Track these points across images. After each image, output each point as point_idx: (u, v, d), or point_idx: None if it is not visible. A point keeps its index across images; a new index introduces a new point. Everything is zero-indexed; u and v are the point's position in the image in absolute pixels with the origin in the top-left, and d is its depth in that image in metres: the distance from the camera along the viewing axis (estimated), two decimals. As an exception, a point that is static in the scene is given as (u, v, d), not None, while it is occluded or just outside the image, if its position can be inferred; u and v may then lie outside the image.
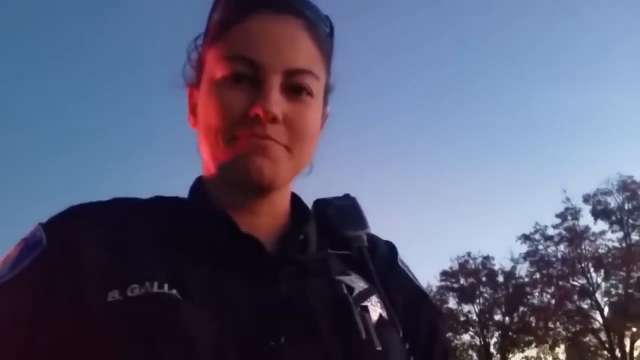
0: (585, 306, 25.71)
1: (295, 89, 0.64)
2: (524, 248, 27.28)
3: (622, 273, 24.68)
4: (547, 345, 27.11)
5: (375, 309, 0.64)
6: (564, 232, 26.34)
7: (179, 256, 0.59)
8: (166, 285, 0.55)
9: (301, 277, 0.63)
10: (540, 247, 26.97)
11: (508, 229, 48.61)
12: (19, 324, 0.54)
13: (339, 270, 0.68)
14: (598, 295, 25.33)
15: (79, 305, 0.54)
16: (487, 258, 28.88)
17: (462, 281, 29.02)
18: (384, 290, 0.69)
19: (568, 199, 26.51)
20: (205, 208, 0.67)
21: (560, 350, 27.45)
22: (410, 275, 0.76)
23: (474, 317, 28.96)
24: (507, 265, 28.29)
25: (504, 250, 45.32)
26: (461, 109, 44.55)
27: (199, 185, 0.70)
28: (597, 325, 25.14)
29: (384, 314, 0.65)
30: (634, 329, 23.82)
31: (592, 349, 25.82)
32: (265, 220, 0.67)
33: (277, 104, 0.61)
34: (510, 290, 27.74)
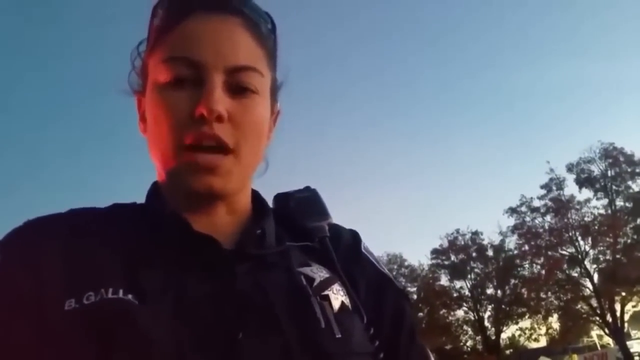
0: (575, 274, 26.13)
1: (239, 87, 0.64)
2: (512, 221, 27.65)
3: (609, 239, 25.01)
4: (540, 316, 27.52)
5: (336, 297, 0.65)
6: (549, 203, 26.65)
7: (135, 260, 0.60)
8: (121, 291, 0.56)
9: (259, 271, 0.64)
10: (527, 219, 27.30)
11: (495, 204, 49.22)
12: None
13: (299, 262, 0.68)
14: (587, 263, 25.73)
15: (37, 316, 0.54)
16: (475, 233, 29.30)
17: (452, 258, 29.41)
18: (347, 278, 0.69)
19: (552, 170, 26.80)
20: (159, 211, 0.67)
21: (554, 319, 27.90)
22: (374, 262, 0.76)
23: (467, 292, 29.38)
24: (496, 239, 28.75)
25: (492, 225, 45.73)
26: (444, 88, 44.65)
27: (155, 190, 0.70)
28: (587, 292, 25.53)
29: (347, 302, 0.66)
30: (624, 293, 24.24)
31: (584, 316, 26.22)
32: (224, 219, 0.68)
33: (221, 101, 0.61)
34: (501, 263, 28.12)
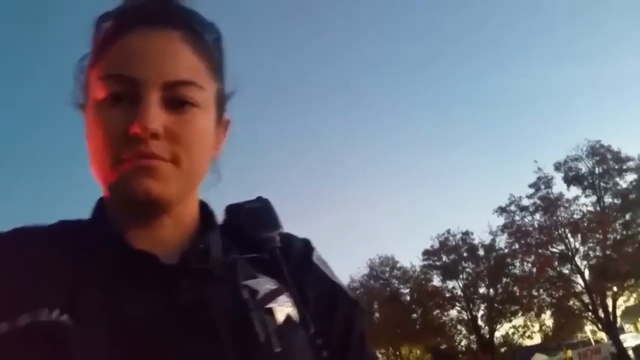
0: (566, 271, 26.17)
1: (177, 102, 0.63)
2: (501, 220, 27.66)
3: (599, 236, 25.09)
4: (533, 313, 27.55)
5: (282, 310, 0.65)
6: (538, 201, 26.67)
7: (74, 279, 0.59)
8: (56, 312, 0.55)
9: (203, 285, 0.63)
10: (517, 217, 27.29)
11: (485, 204, 49.44)
12: None
13: (246, 275, 0.67)
14: (577, 260, 25.78)
15: None
16: (466, 233, 29.27)
17: (444, 258, 29.36)
18: (297, 288, 0.69)
19: (540, 169, 26.87)
20: (98, 229, 0.66)
21: (547, 316, 27.97)
22: (326, 271, 0.76)
23: (459, 292, 29.35)
24: (487, 239, 28.74)
25: (482, 225, 45.87)
26: (434, 89, 44.76)
27: (99, 206, 0.69)
28: (579, 288, 25.59)
29: (293, 314, 0.66)
30: (615, 289, 24.35)
31: (577, 312, 26.32)
32: (169, 233, 0.67)
33: (156, 118, 0.60)
34: (492, 262, 28.11)
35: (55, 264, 0.61)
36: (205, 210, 0.73)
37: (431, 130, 45.88)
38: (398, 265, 31.28)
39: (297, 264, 0.73)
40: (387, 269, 31.14)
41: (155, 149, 0.60)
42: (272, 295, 0.66)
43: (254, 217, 0.75)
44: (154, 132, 0.60)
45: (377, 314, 29.80)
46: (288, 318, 0.65)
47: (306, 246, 0.77)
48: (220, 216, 0.76)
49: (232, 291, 0.64)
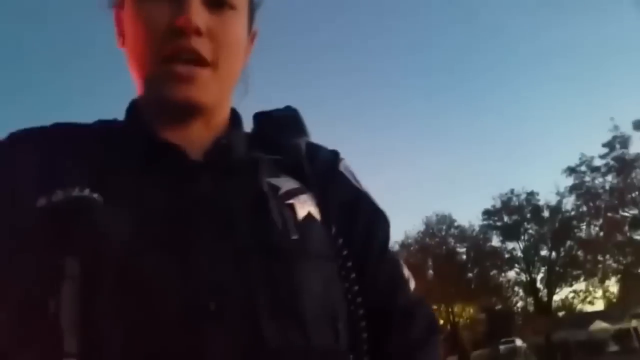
0: (637, 237, 24.98)
1: (216, 2, 0.64)
2: (570, 181, 26.62)
3: (677, 201, 23.61)
4: (596, 279, 26.68)
5: (303, 207, 0.65)
6: (611, 162, 25.37)
7: (103, 166, 0.62)
8: (87, 190, 0.58)
9: (223, 178, 0.64)
10: (587, 178, 26.25)
11: (553, 163, 47.43)
12: None
13: (269, 173, 0.68)
14: (650, 225, 24.44)
15: (13, 216, 0.59)
16: (531, 194, 28.56)
17: (505, 219, 28.71)
18: (320, 193, 0.69)
19: (616, 127, 25.34)
20: (130, 125, 0.68)
21: (611, 282, 26.97)
22: (351, 178, 0.75)
23: (519, 253, 28.77)
24: (553, 200, 27.81)
25: (549, 185, 44.21)
26: (501, 38, 42.69)
27: (133, 106, 0.71)
28: (650, 255, 24.39)
29: (315, 212, 0.66)
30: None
31: (645, 280, 25.18)
32: (199, 133, 0.67)
33: (199, 15, 0.61)
34: (556, 225, 27.36)
35: (88, 153, 0.64)
36: (234, 115, 0.74)
37: (497, 83, 44.00)
38: (455, 223, 30.90)
39: (322, 170, 0.73)
40: (444, 227, 30.79)
41: (197, 45, 0.62)
42: (294, 193, 0.67)
43: (281, 123, 0.76)
44: (197, 28, 0.61)
45: (430, 271, 29.57)
46: (309, 215, 0.65)
47: (333, 155, 0.77)
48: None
49: (252, 185, 0.65)
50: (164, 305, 0.54)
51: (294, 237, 0.61)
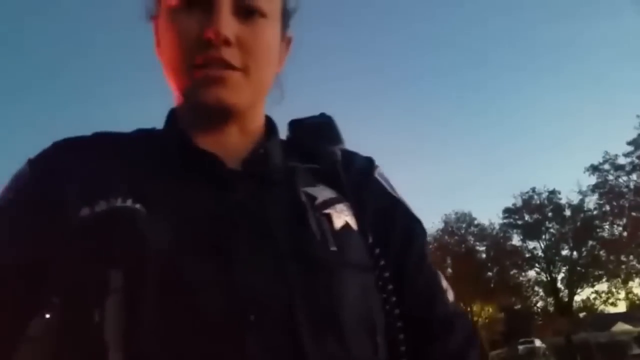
0: (663, 237, 24.37)
1: (247, 11, 0.64)
2: (593, 180, 26.10)
3: None
4: (619, 280, 26.20)
5: (340, 216, 0.65)
6: (637, 161, 24.77)
7: (143, 176, 0.63)
8: (129, 200, 0.60)
9: (261, 188, 0.65)
10: (610, 177, 25.66)
11: (575, 161, 46.64)
12: (3, 248, 0.61)
13: (305, 182, 0.68)
14: (677, 225, 23.87)
15: (55, 224, 0.60)
16: (553, 192, 28.14)
17: (526, 217, 28.36)
18: (356, 201, 0.69)
19: (642, 125, 24.67)
20: (169, 134, 0.70)
21: (635, 284, 26.44)
22: (386, 186, 0.75)
23: (540, 253, 28.39)
24: (575, 199, 27.38)
25: (571, 184, 43.43)
26: (524, 34, 42.13)
27: (171, 114, 0.72)
28: (676, 257, 23.85)
29: (352, 222, 0.66)
30: None
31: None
32: (234, 140, 0.68)
33: (228, 25, 0.62)
34: (578, 224, 26.92)
35: (129, 162, 0.65)
36: (269, 122, 0.75)
37: (521, 81, 43.40)
38: (475, 222, 30.54)
39: (357, 178, 0.73)
40: (464, 225, 30.48)
41: (226, 56, 0.62)
42: (331, 203, 0.67)
43: (316, 131, 0.77)
44: (226, 39, 0.62)
45: (449, 270, 29.32)
46: (346, 225, 0.65)
47: (368, 162, 0.77)
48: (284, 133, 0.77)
49: (290, 194, 0.66)
50: (206, 317, 0.54)
51: (333, 248, 0.61)
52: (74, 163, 0.65)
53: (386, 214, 0.71)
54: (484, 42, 43.35)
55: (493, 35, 42.70)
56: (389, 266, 0.66)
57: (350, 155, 0.76)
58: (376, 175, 0.75)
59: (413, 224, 0.74)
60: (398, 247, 0.69)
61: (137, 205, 0.59)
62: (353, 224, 0.66)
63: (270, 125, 0.74)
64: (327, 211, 0.65)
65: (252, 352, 0.53)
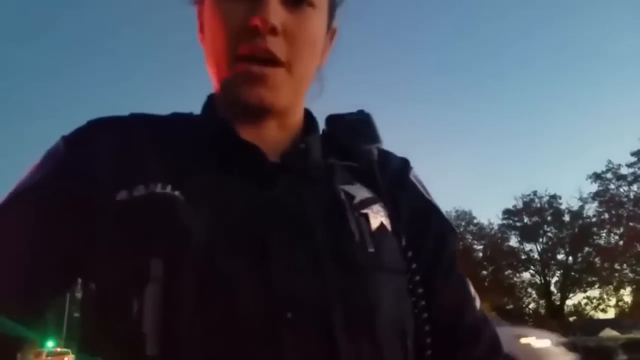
0: (658, 249, 24.69)
1: (295, 0, 0.63)
2: (594, 187, 26.34)
3: (701, 216, 23.31)
4: (611, 287, 26.50)
5: (376, 217, 0.65)
6: (639, 172, 24.99)
7: (182, 162, 0.62)
8: (169, 187, 0.58)
9: (300, 183, 0.64)
10: (612, 186, 25.88)
11: (578, 168, 46.82)
12: (36, 226, 0.59)
13: (343, 180, 0.68)
14: (672, 239, 24.18)
15: (90, 204, 0.58)
16: (553, 197, 28.23)
17: (525, 220, 28.52)
18: (391, 202, 0.68)
19: (646, 136, 24.92)
20: (209, 121, 0.68)
21: (626, 292, 26.77)
22: (421, 189, 0.75)
23: (536, 255, 28.60)
24: (575, 205, 27.55)
25: (572, 190, 43.68)
26: (527, 39, 42.01)
27: (209, 101, 0.71)
28: (668, 269, 24.17)
29: (386, 223, 0.66)
30: None
31: (661, 292, 25.01)
32: (273, 133, 0.68)
33: (275, 13, 0.60)
34: (576, 230, 27.07)
35: (167, 147, 0.64)
36: (308, 116, 0.74)
37: (527, 83, 43.42)
38: (475, 221, 30.79)
39: (392, 179, 0.72)
40: (463, 223, 30.68)
41: (271, 45, 0.61)
42: (368, 203, 0.66)
43: (355, 128, 0.75)
44: (273, 27, 0.60)
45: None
46: (381, 225, 0.65)
47: (404, 163, 0.77)
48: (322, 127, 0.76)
49: (329, 192, 0.65)
50: (243, 312, 0.53)
51: (370, 249, 0.61)
52: (110, 143, 0.63)
53: (421, 217, 0.71)
54: (493, 39, 43.27)
55: (500, 38, 42.57)
56: (420, 269, 0.65)
57: (386, 155, 0.75)
58: (411, 177, 0.75)
59: (446, 228, 0.73)
60: (431, 251, 0.69)
61: (177, 193, 0.58)
62: (388, 225, 0.66)
63: (310, 119, 0.73)
64: (364, 211, 0.64)
65: (287, 349, 0.53)
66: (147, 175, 0.59)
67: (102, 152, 0.62)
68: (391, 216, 0.67)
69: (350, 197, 0.65)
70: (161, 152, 0.63)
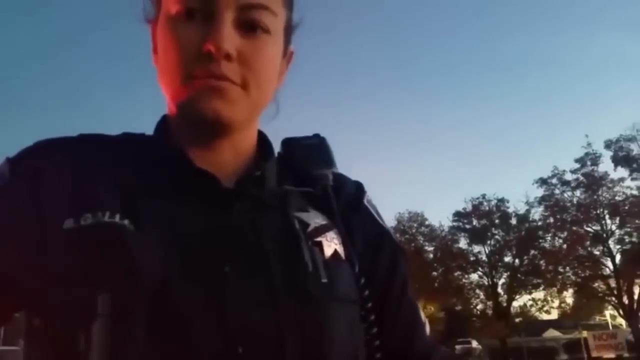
0: (597, 252, 25.79)
1: (249, 25, 0.62)
2: (540, 192, 27.19)
3: (638, 222, 24.39)
4: (555, 289, 27.40)
5: (330, 245, 0.65)
6: (581, 178, 26.03)
7: (134, 189, 0.61)
8: (117, 216, 0.57)
9: (255, 211, 0.64)
10: (557, 191, 26.83)
11: (525, 173, 48.31)
12: None
13: (298, 207, 0.68)
14: (611, 243, 25.34)
15: (35, 232, 0.57)
16: (501, 200, 28.97)
17: (474, 222, 29.19)
18: (345, 227, 0.68)
19: (589, 144, 26.07)
20: (162, 144, 0.67)
21: (568, 294, 27.76)
22: (375, 214, 0.76)
23: (484, 257, 29.30)
24: (522, 209, 28.37)
25: (519, 194, 45.07)
26: (478, 49, 43.11)
27: (163, 122, 0.70)
28: (607, 271, 25.21)
29: (340, 250, 0.66)
30: (644, 277, 23.85)
31: (600, 294, 26.02)
32: (227, 157, 0.67)
33: (230, 39, 0.60)
34: (523, 233, 27.86)
35: (117, 172, 0.62)
36: (263, 140, 0.73)
37: (478, 92, 44.48)
38: (426, 222, 31.31)
39: (347, 203, 0.72)
40: (415, 225, 31.17)
41: (226, 71, 0.60)
42: (322, 230, 0.66)
43: (310, 153, 0.76)
44: (227, 53, 0.60)
45: (397, 267, 29.88)
46: (335, 253, 0.65)
47: (358, 188, 0.77)
48: (276, 149, 0.76)
49: (283, 220, 0.65)
50: (195, 348, 0.52)
51: (324, 280, 0.60)
52: (57, 167, 0.61)
53: (373, 243, 0.71)
54: (449, 49, 44.18)
55: (459, 47, 43.57)
56: (372, 296, 0.66)
57: (341, 179, 0.76)
58: (365, 202, 0.75)
59: (398, 254, 0.74)
60: (383, 278, 0.70)
61: (126, 222, 0.57)
62: (341, 252, 0.66)
63: (264, 143, 0.73)
64: (318, 239, 0.64)
65: None
66: (95, 202, 0.58)
67: (49, 176, 0.60)
68: (345, 243, 0.67)
69: (305, 225, 0.65)
70: (111, 176, 0.61)
